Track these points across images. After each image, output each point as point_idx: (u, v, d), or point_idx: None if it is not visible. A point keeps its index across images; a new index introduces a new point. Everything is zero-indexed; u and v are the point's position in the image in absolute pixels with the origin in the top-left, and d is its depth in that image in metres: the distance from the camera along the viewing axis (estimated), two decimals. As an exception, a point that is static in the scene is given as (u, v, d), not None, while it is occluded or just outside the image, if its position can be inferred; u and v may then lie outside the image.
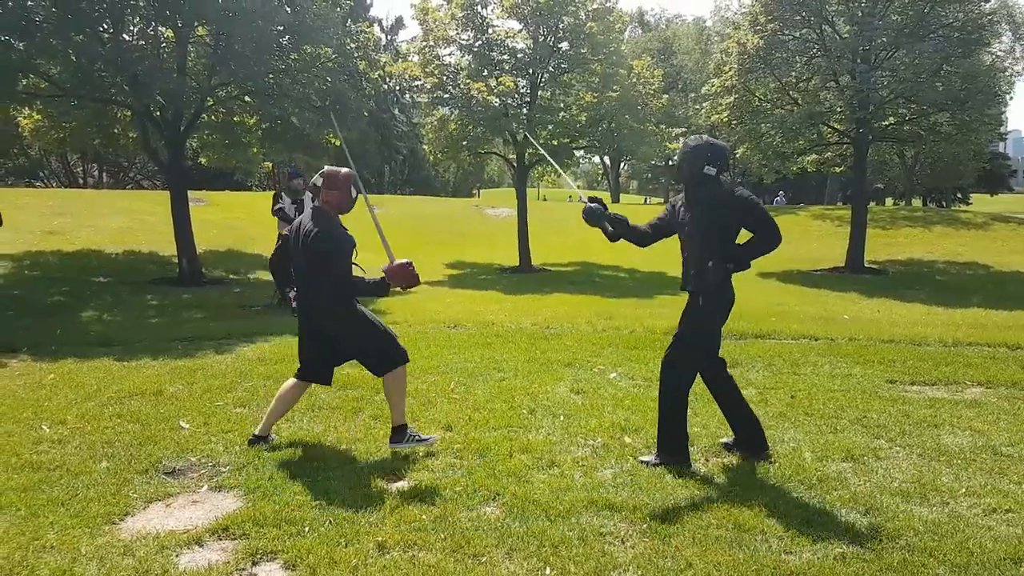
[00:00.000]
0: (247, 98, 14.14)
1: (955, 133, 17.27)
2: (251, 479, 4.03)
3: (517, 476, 4.13)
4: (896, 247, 20.99)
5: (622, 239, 4.66)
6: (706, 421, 5.25)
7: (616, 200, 53.04)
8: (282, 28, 13.03)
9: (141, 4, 12.24)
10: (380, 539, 3.34)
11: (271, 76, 13.45)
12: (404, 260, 4.42)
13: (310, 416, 5.12)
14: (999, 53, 21.42)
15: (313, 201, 4.64)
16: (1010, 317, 11.11)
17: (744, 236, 4.39)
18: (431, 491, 3.88)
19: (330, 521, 3.51)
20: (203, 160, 17.27)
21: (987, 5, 18.95)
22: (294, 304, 4.53)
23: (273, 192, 10.70)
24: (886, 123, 17.80)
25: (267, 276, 12.95)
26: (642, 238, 4.71)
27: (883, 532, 3.52)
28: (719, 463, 4.46)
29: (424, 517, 3.57)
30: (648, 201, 59.78)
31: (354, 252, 4.47)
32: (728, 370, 4.62)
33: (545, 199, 55.18)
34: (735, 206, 4.29)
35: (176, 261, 13.81)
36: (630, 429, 5.03)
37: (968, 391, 6.31)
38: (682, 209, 4.53)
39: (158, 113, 13.55)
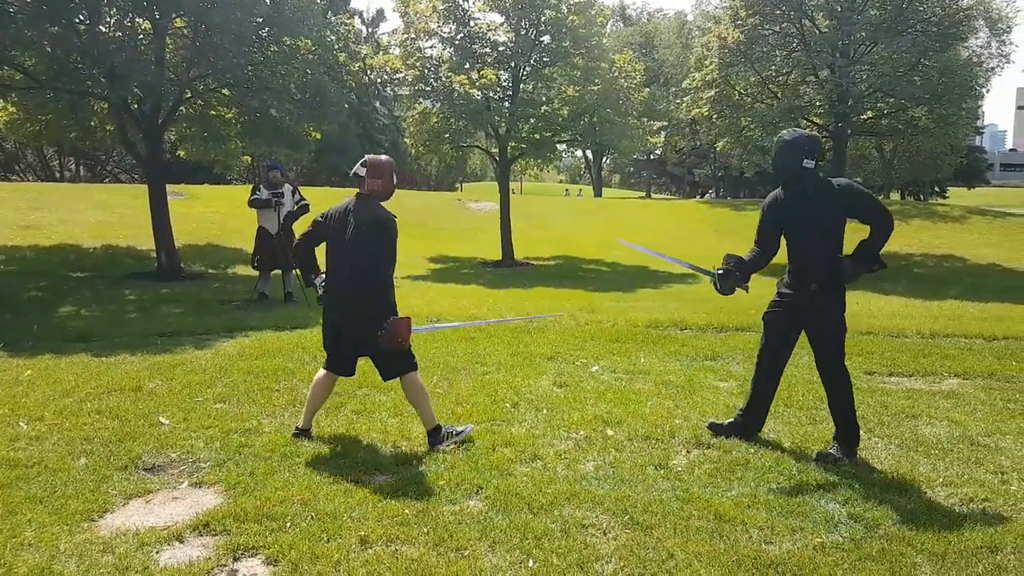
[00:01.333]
0: (226, 91, 13.98)
1: (933, 127, 17.50)
2: (232, 475, 4.00)
3: (500, 470, 4.13)
4: (875, 240, 21.18)
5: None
6: (688, 413, 5.28)
7: (599, 194, 53.17)
8: (261, 20, 12.89)
9: (116, -5, 12.05)
10: (362, 534, 3.33)
11: (250, 68, 13.31)
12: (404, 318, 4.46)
13: (291, 412, 5.09)
14: (976, 48, 21.71)
15: (361, 191, 4.55)
16: (986, 309, 11.27)
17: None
18: (414, 485, 3.88)
19: (312, 516, 3.50)
20: (182, 153, 17.07)
21: (964, 1, 19.17)
22: (320, 291, 4.56)
23: (252, 184, 10.61)
24: (865, 117, 17.97)
25: (246, 271, 12.88)
26: (764, 262, 4.68)
27: (862, 522, 3.57)
28: (701, 454, 4.49)
29: (407, 511, 3.56)
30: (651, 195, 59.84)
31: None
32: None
33: (519, 192, 55.24)
34: (842, 198, 4.30)
35: (154, 255, 13.65)
36: (612, 422, 5.05)
37: (945, 382, 6.40)
38: (783, 205, 4.48)
39: (135, 106, 13.37)
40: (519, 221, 22.10)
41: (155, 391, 5.59)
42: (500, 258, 18.20)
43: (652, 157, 60.05)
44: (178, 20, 13.64)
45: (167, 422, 4.85)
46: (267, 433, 4.65)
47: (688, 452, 4.54)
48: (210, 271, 14.18)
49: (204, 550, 3.24)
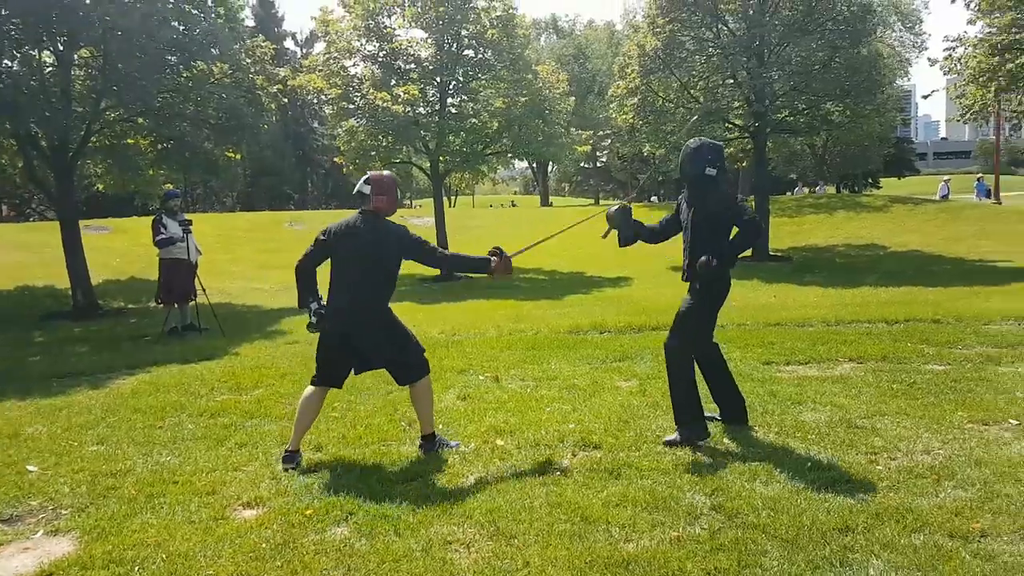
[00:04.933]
0: (140, 119, 13.69)
1: (847, 122, 17.97)
2: (90, 520, 3.83)
3: (375, 492, 4.05)
4: (801, 234, 21.70)
5: (638, 240, 5.09)
6: (583, 416, 5.28)
7: (546, 203, 53.43)
8: (168, 45, 12.63)
9: (11, 29, 11.69)
10: (210, 573, 3.22)
11: (161, 95, 13.05)
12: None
13: (169, 449, 4.93)
14: (891, 43, 22.49)
15: (361, 209, 4.68)
16: (896, 293, 11.60)
17: None
18: (281, 517, 3.78)
19: (163, 558, 3.37)
20: (100, 187, 16.64)
21: (871, -3, 19.82)
22: (314, 318, 4.63)
23: (152, 219, 10.39)
24: (781, 116, 18.40)
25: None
26: (653, 236, 5.12)
27: (723, 512, 3.60)
28: (586, 456, 4.49)
29: (265, 546, 3.46)
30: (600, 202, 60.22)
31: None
32: (720, 351, 5.06)
33: (473, 205, 55.23)
34: (730, 206, 4.71)
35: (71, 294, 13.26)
36: (505, 431, 5.03)
37: (839, 367, 6.54)
38: (684, 206, 4.89)
39: (43, 141, 13.00)
40: (460, 234, 22.07)
41: (33, 436, 5.36)
42: (438, 272, 18.12)
43: (598, 165, 60.65)
44: (83, 50, 13.33)
45: (35, 469, 4.64)
46: (138, 473, 4.48)
47: (573, 456, 4.53)
48: (130, 306, 13.80)
49: (43, 600, 3.10)
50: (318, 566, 3.27)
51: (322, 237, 4.67)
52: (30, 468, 4.66)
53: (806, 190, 41.94)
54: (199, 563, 3.33)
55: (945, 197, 31.57)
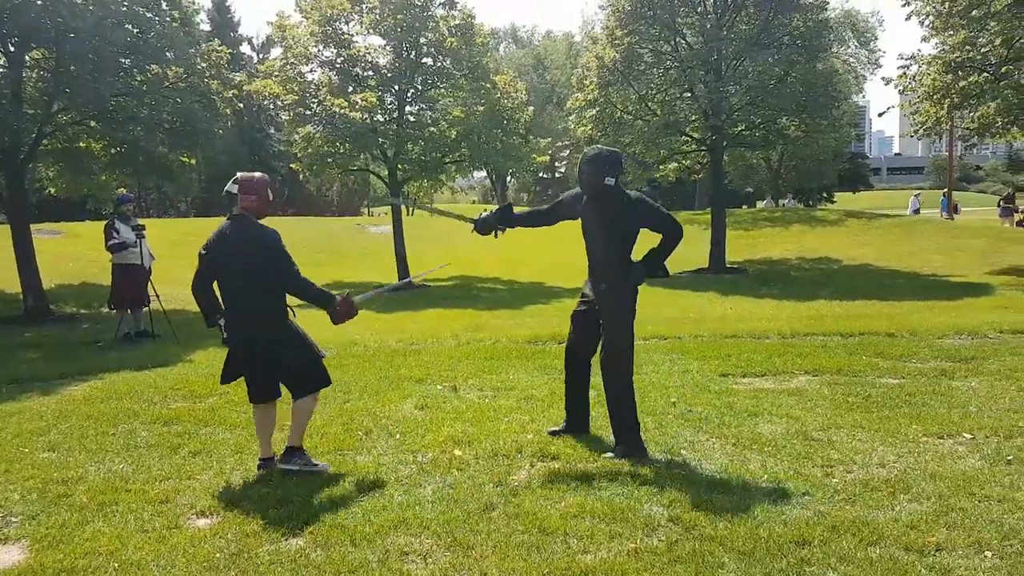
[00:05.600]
0: (93, 122, 13.40)
1: (802, 136, 18.38)
2: (41, 528, 3.75)
3: (333, 502, 4.03)
4: (756, 247, 22.08)
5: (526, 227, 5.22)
6: (541, 426, 5.31)
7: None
8: (123, 48, 12.40)
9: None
10: (163, 582, 3.17)
11: (115, 98, 12.80)
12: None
13: (122, 456, 4.83)
14: (847, 58, 23.07)
15: (230, 212, 4.55)
16: (851, 307, 11.88)
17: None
18: (236, 527, 3.73)
19: (115, 567, 3.31)
20: (52, 190, 16.23)
21: (829, 14, 20.32)
22: (225, 333, 4.47)
23: (105, 223, 10.21)
24: (738, 130, 18.74)
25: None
26: (542, 222, 5.24)
27: (681, 524, 3.64)
28: (544, 467, 4.51)
29: (219, 555, 3.42)
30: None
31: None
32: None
33: (411, 213, 55.03)
34: (635, 210, 4.70)
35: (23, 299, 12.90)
36: (463, 441, 5.02)
37: (795, 380, 6.66)
38: (581, 208, 4.86)
39: (-8, 143, 12.65)
40: (418, 243, 21.96)
41: (-20, 444, 5.21)
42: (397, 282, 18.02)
43: (556, 176, 61.02)
44: (35, 51, 13.02)
45: (-18, 477, 4.52)
46: (90, 481, 4.39)
47: (532, 466, 4.55)
48: (82, 311, 13.46)
49: (-13, 615, 3.02)
50: (273, 576, 3.24)
51: (203, 252, 4.49)
52: (-24, 477, 4.53)
53: (771, 204, 42.73)
54: (152, 572, 3.28)
55: (916, 212, 32.49)
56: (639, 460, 4.51)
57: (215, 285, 4.52)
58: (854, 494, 3.98)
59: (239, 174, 4.61)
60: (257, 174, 4.65)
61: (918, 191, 38.57)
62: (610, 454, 4.65)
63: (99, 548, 3.50)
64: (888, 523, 3.61)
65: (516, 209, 5.35)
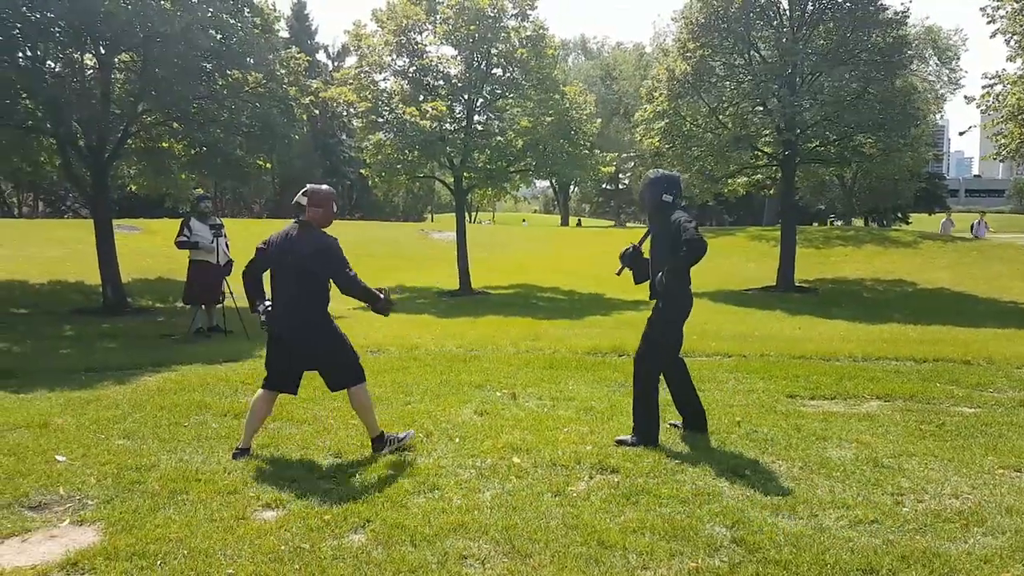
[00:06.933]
0: (175, 123, 13.96)
1: (879, 155, 17.82)
2: (115, 512, 3.90)
3: (394, 501, 4.07)
4: (828, 266, 21.48)
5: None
6: (600, 439, 5.26)
7: (564, 223, 53.49)
8: (207, 53, 12.89)
9: (56, 31, 12.01)
10: (230, 571, 3.25)
11: (196, 101, 13.32)
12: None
13: (193, 447, 4.99)
14: (927, 76, 22.29)
15: (297, 218, 4.89)
16: (925, 331, 11.43)
17: None
18: (299, 520, 3.81)
19: (184, 554, 3.41)
20: (133, 187, 16.95)
21: (909, 30, 19.68)
22: (263, 318, 4.85)
23: (181, 220, 10.59)
24: (812, 145, 18.29)
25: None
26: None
27: (744, 545, 3.56)
28: (603, 480, 4.47)
29: (283, 547, 3.49)
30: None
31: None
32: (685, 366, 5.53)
33: (481, 222, 55.47)
34: (676, 226, 5.06)
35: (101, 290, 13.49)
36: (522, 449, 5.02)
37: (866, 404, 6.45)
38: (650, 231, 5.44)
39: (81, 140, 13.30)
40: (481, 250, 22.16)
41: (62, 427, 5.45)
42: (458, 287, 18.18)
43: (620, 187, 60.69)
44: (124, 55, 13.64)
45: (64, 459, 4.73)
46: (162, 469, 4.55)
47: (591, 478, 4.52)
48: (157, 305, 14.01)
49: (65, 591, 3.15)
50: (335, 572, 3.29)
51: (262, 246, 4.91)
52: (59, 458, 4.74)
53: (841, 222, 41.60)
54: (219, 561, 3.36)
55: (947, 232, 31.16)
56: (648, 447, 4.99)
57: (267, 278, 4.93)
58: (925, 524, 3.83)
59: (309, 186, 4.92)
60: (324, 187, 4.94)
61: (951, 213, 36.80)
62: (625, 437, 5.16)
63: (169, 535, 3.62)
64: (960, 556, 3.47)
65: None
